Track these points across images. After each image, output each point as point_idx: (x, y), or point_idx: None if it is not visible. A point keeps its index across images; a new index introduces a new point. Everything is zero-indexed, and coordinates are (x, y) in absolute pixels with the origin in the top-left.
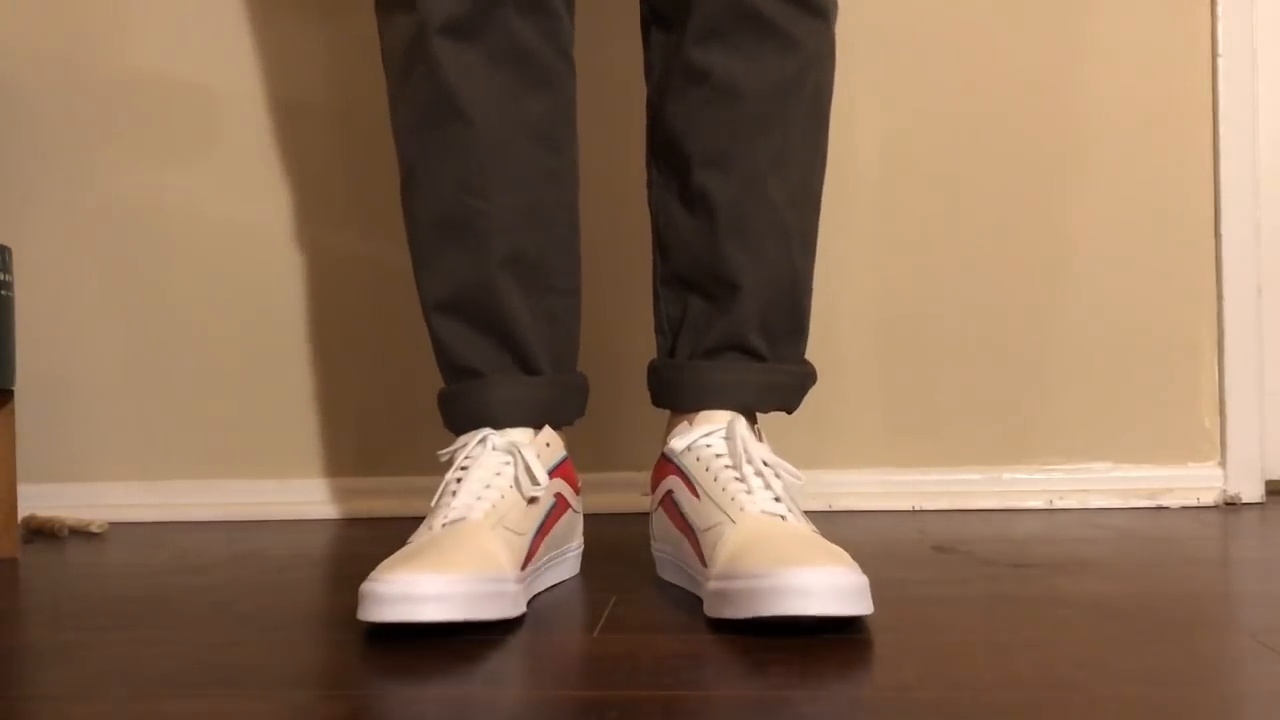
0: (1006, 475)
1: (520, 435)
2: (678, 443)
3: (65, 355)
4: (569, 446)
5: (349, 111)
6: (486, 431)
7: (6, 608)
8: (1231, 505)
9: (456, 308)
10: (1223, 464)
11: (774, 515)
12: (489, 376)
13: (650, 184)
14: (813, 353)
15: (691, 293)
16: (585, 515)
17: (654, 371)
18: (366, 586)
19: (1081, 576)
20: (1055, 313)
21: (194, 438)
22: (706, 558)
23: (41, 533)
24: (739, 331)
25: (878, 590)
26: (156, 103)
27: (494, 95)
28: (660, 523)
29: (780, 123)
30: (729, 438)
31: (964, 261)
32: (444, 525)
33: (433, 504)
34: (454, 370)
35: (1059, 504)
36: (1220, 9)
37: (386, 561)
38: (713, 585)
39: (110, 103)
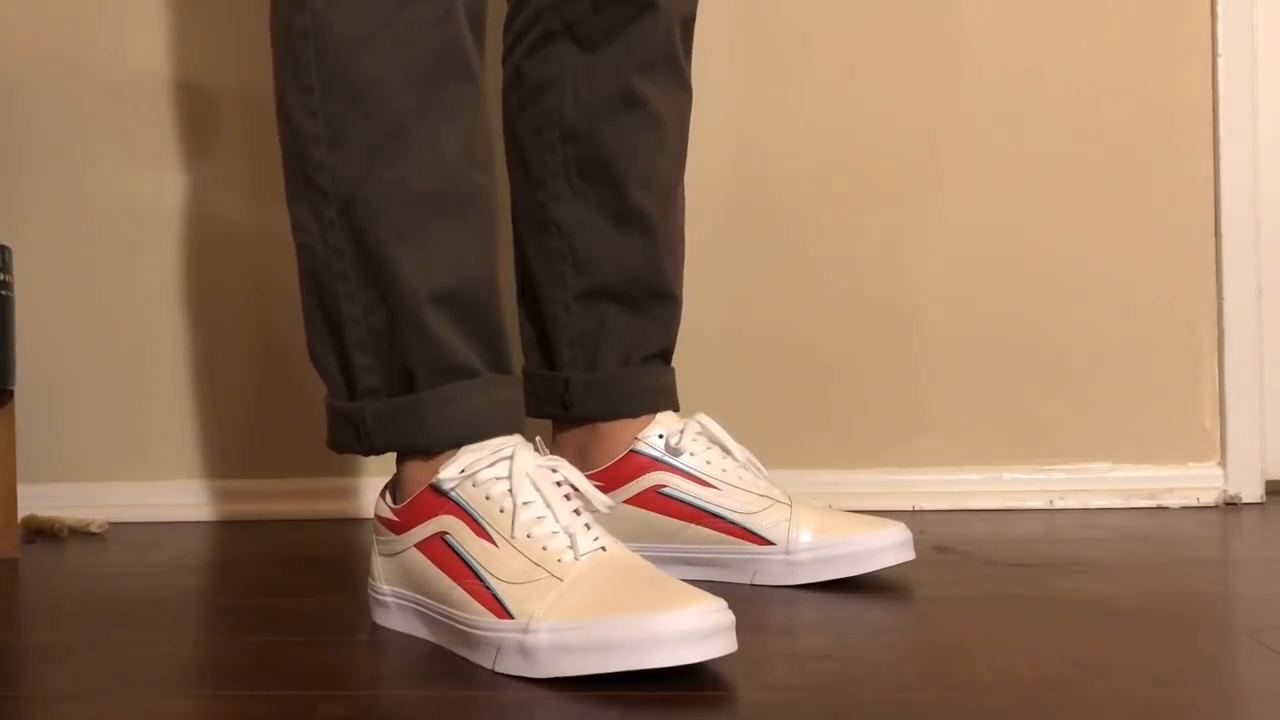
0: (1006, 475)
1: (529, 451)
2: (660, 442)
3: (65, 355)
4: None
5: None
6: (513, 444)
7: (6, 608)
8: (1231, 505)
9: (457, 299)
10: (1223, 464)
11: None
12: (484, 375)
13: (558, 199)
14: (814, 352)
15: (611, 304)
16: None
17: (568, 385)
18: (644, 628)
19: (1081, 576)
20: (1055, 312)
21: (194, 438)
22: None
23: (41, 533)
24: (670, 339)
25: (878, 590)
26: (156, 103)
27: (477, 58)
28: (643, 516)
29: (682, 148)
30: (704, 432)
31: (964, 261)
32: (581, 557)
33: (510, 533)
34: (445, 370)
35: (1059, 504)
36: (1220, 9)
37: (590, 605)
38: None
39: (110, 103)
